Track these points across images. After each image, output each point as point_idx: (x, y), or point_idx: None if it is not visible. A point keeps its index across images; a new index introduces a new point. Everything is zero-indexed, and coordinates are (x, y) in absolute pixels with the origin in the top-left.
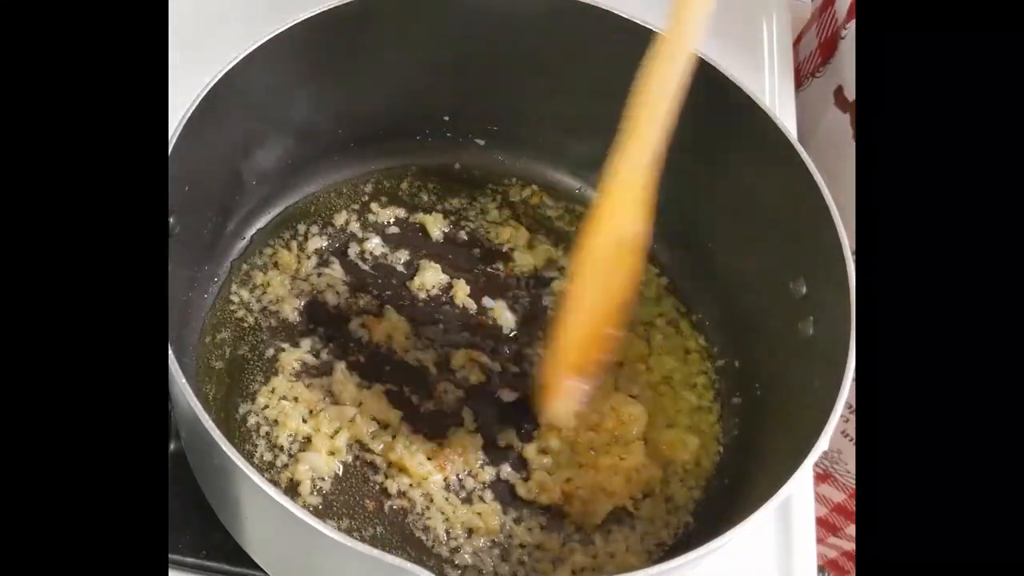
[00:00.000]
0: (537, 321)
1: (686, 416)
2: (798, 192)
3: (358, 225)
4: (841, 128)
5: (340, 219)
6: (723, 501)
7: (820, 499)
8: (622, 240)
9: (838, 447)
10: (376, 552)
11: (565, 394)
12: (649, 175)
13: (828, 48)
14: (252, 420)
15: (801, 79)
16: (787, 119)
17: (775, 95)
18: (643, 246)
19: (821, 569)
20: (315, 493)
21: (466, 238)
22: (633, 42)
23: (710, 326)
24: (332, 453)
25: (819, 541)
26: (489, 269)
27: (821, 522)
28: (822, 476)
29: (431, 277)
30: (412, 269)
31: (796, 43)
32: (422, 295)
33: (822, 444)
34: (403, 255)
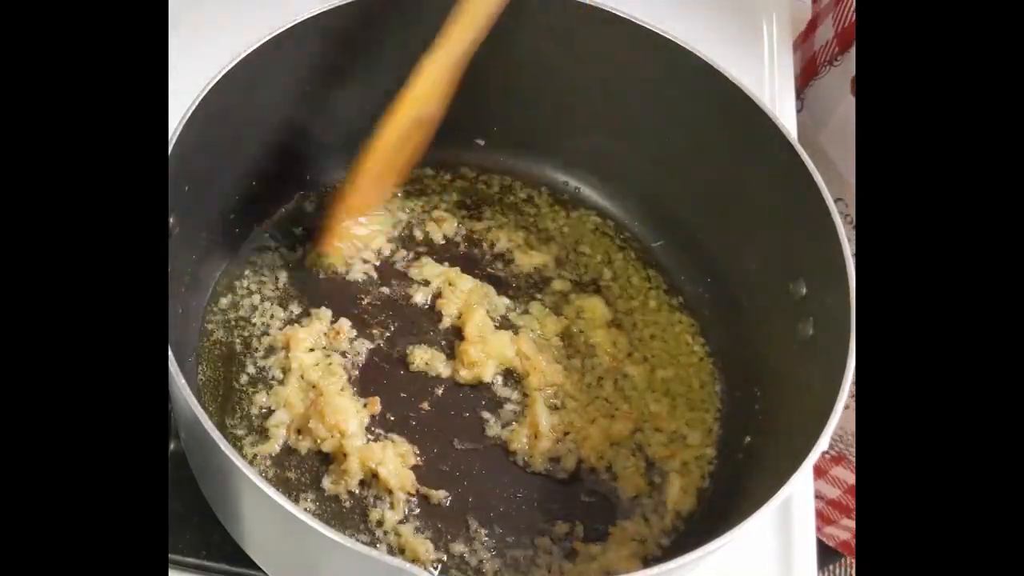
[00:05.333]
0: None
1: (686, 416)
2: (798, 192)
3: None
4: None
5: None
6: (723, 501)
7: (833, 481)
8: (420, 118)
9: (851, 429)
10: (375, 552)
11: (340, 232)
12: (453, 72)
13: (846, 38)
14: (252, 417)
15: (817, 68)
16: (787, 119)
17: (775, 95)
18: (433, 123)
19: (835, 551)
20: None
21: (466, 238)
22: (634, 43)
23: (709, 326)
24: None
25: (832, 523)
26: (489, 269)
27: (834, 504)
28: (836, 458)
29: (429, 271)
30: (412, 268)
31: (811, 31)
32: (419, 298)
33: (822, 444)
34: (404, 254)
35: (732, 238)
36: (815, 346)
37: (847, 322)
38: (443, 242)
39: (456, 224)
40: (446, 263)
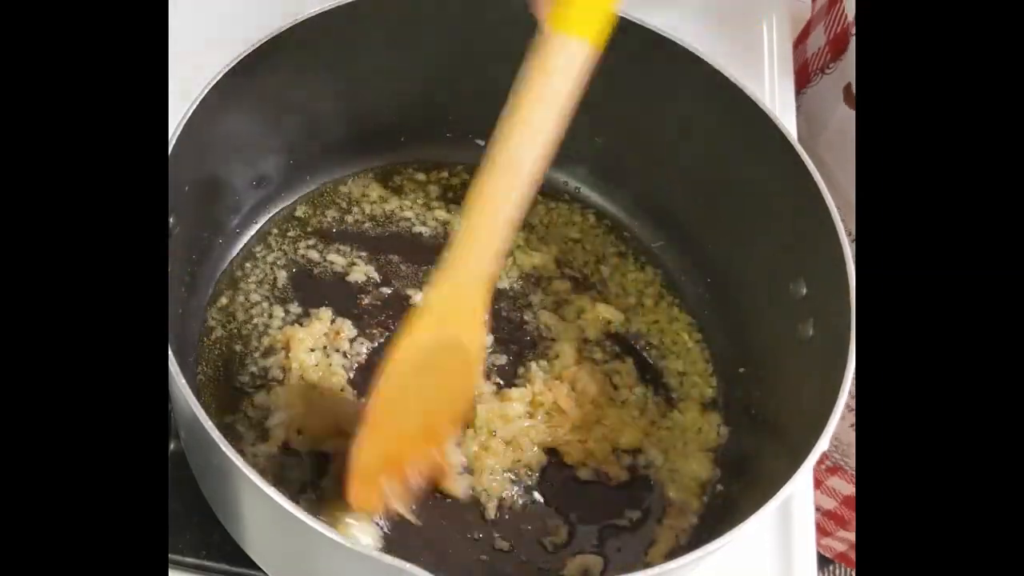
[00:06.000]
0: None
1: (686, 417)
2: (798, 192)
3: (359, 223)
4: (851, 125)
5: (340, 218)
6: (723, 502)
7: (829, 492)
8: (455, 347)
9: (848, 440)
10: (375, 552)
11: (378, 493)
12: (491, 279)
13: (838, 45)
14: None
15: (810, 75)
16: (787, 119)
17: (775, 95)
18: (479, 359)
19: (830, 561)
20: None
21: None
22: (634, 44)
23: (708, 326)
24: None
25: (828, 534)
26: None
27: (830, 515)
28: (831, 469)
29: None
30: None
31: (803, 38)
32: (419, 298)
33: (822, 445)
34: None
35: (732, 238)
36: (815, 346)
37: (847, 322)
38: (444, 242)
39: (457, 224)
40: None
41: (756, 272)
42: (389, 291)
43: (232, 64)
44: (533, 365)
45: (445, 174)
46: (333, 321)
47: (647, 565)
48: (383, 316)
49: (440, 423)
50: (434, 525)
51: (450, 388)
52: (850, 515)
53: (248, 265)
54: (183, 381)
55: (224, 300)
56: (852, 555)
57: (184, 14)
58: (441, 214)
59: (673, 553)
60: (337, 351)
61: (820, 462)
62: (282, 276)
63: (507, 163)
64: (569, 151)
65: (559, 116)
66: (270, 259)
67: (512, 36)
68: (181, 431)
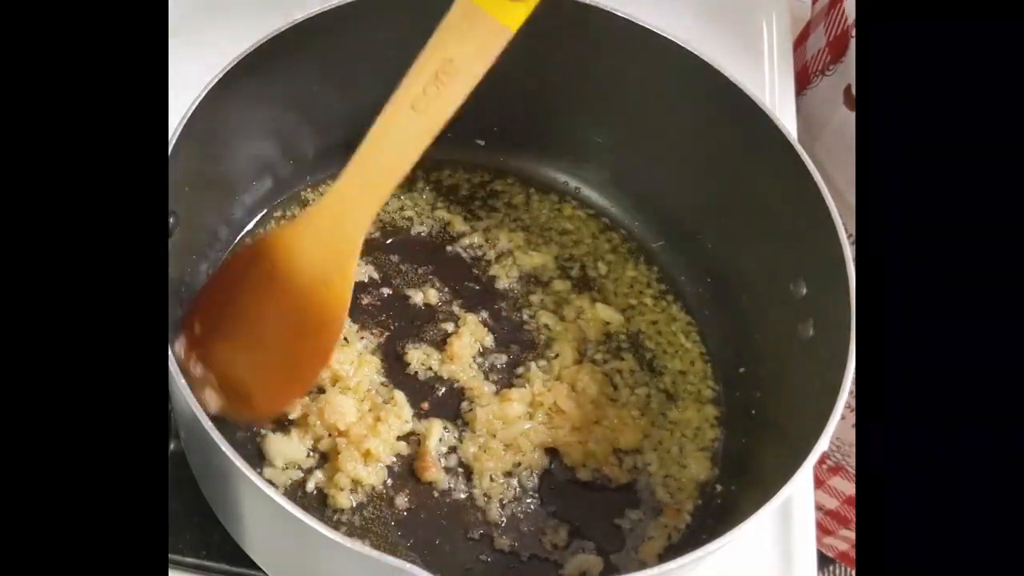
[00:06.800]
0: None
1: (685, 417)
2: (798, 192)
3: None
4: (850, 127)
5: None
6: (723, 502)
7: (831, 492)
8: (320, 278)
9: (849, 440)
10: (375, 553)
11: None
12: (369, 220)
13: (838, 47)
14: None
15: (809, 77)
16: (787, 119)
17: (775, 95)
18: (345, 297)
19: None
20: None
21: (466, 239)
22: (633, 43)
23: (708, 327)
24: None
25: (830, 533)
26: (490, 271)
27: (832, 515)
28: (833, 469)
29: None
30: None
31: (803, 40)
32: (419, 298)
33: (822, 445)
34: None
35: (732, 238)
36: (815, 346)
37: (847, 322)
38: (444, 242)
39: (457, 224)
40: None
41: (756, 272)
42: (389, 291)
43: (232, 64)
44: (533, 365)
45: (445, 174)
46: None
47: (644, 565)
48: (383, 316)
49: (295, 357)
50: (434, 525)
51: (307, 316)
52: (852, 514)
53: None
54: (183, 381)
55: None
56: (854, 554)
57: (184, 13)
58: (441, 214)
59: (668, 553)
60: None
61: (821, 462)
62: None
63: (409, 108)
64: (569, 151)
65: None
66: None
67: (515, 38)
68: (181, 431)
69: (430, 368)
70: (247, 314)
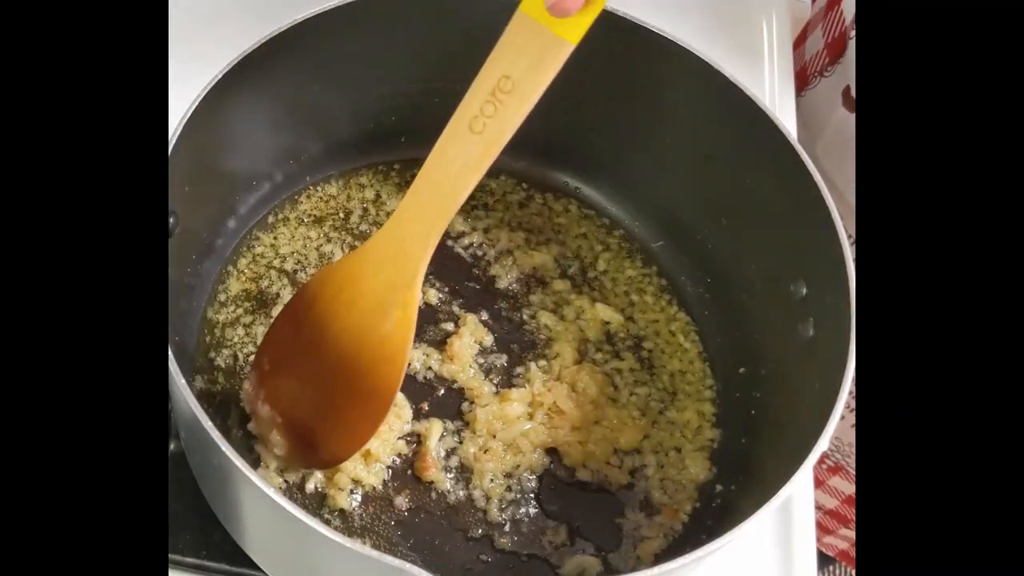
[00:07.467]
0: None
1: (685, 417)
2: (798, 192)
3: (358, 224)
4: (849, 128)
5: (340, 218)
6: (723, 502)
7: (831, 491)
8: (387, 299)
9: (849, 440)
10: (375, 553)
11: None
12: (433, 245)
13: (836, 48)
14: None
15: (808, 78)
16: (787, 119)
17: (775, 96)
18: (411, 322)
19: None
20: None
21: (466, 239)
22: (633, 43)
23: (708, 327)
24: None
25: (830, 532)
26: (490, 271)
27: (832, 514)
28: (833, 469)
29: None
30: None
31: (801, 41)
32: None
33: (822, 445)
34: None
35: (732, 238)
36: (815, 347)
37: (847, 323)
38: (444, 242)
39: (457, 223)
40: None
41: (756, 272)
42: None
43: (232, 64)
44: (533, 365)
45: None
46: None
47: (642, 564)
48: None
49: (357, 394)
50: (434, 525)
51: (368, 348)
52: (852, 514)
53: (249, 264)
54: (183, 381)
55: (225, 299)
56: (854, 553)
57: (184, 13)
58: None
59: (667, 553)
60: None
61: (821, 462)
62: (283, 274)
63: (467, 129)
64: (569, 151)
65: (528, 93)
66: (271, 258)
67: None
68: (181, 431)
69: (430, 368)
70: (310, 350)
